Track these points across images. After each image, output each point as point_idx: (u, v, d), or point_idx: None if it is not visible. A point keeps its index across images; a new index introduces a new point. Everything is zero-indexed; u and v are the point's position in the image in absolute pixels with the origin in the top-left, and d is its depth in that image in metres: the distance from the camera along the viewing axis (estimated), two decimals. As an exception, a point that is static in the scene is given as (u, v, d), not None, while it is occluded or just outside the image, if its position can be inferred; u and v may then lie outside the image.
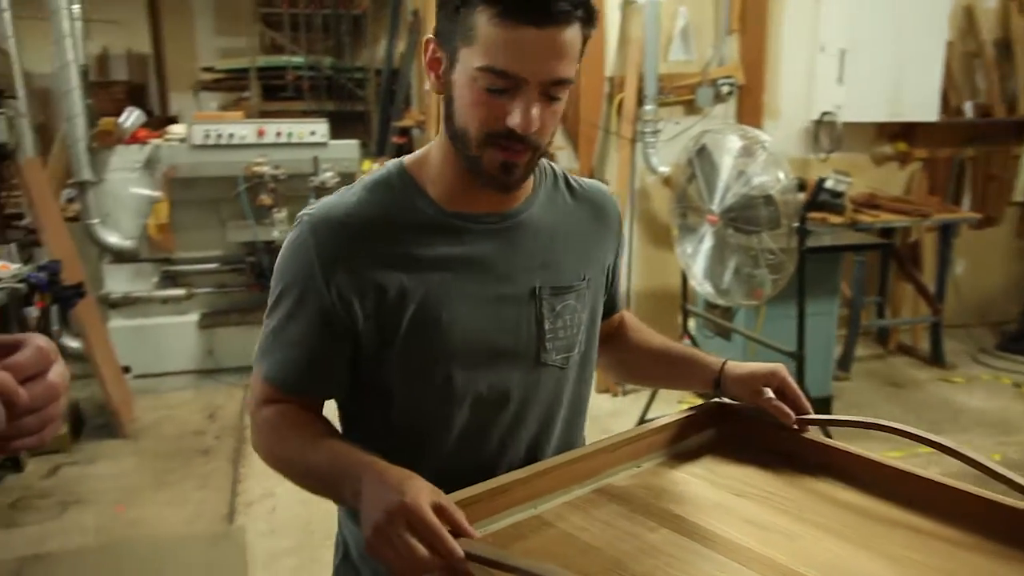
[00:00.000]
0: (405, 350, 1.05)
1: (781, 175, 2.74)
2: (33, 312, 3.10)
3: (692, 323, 3.99)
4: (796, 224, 2.74)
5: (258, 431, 1.08)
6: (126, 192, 4.48)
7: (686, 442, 1.23)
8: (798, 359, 2.99)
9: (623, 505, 1.05)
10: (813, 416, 1.18)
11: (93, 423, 3.82)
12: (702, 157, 3.08)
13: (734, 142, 2.90)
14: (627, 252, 4.43)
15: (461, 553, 0.82)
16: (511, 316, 1.08)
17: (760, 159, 2.81)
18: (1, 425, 0.59)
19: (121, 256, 4.47)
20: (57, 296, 3.21)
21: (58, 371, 0.67)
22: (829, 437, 1.20)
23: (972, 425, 3.75)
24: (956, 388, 4.23)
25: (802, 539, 0.97)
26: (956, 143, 5.06)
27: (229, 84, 8.24)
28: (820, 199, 4.37)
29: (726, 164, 2.93)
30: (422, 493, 0.85)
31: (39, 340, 0.65)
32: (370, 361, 1.07)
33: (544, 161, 1.16)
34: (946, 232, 4.65)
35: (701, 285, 3.17)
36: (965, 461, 1.04)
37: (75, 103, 4.37)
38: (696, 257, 3.15)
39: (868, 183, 4.88)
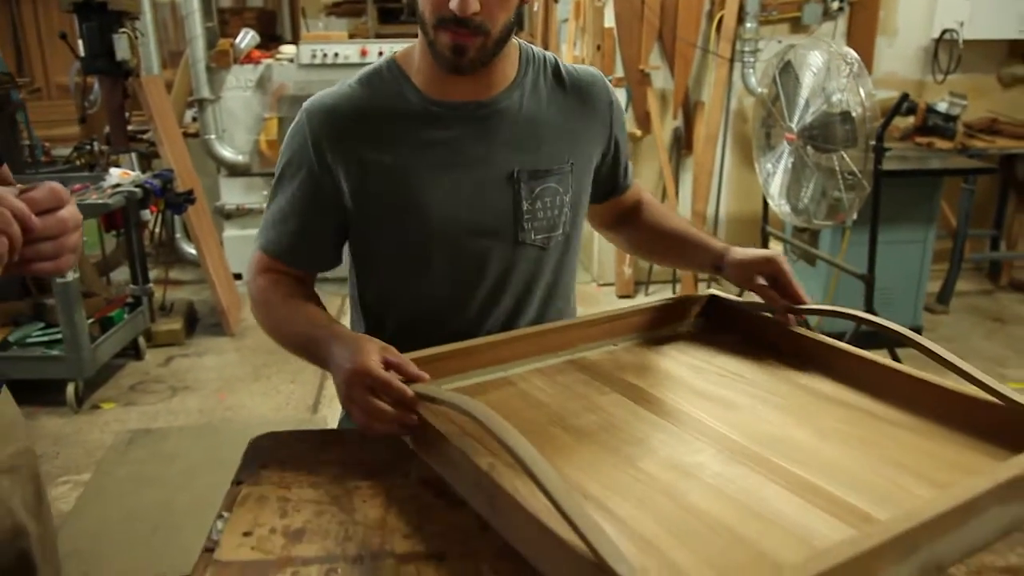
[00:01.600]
0: (387, 228, 1.15)
1: (863, 93, 2.63)
2: (147, 215, 3.40)
3: (778, 247, 3.91)
4: (873, 143, 2.63)
5: (253, 301, 1.18)
6: (240, 109, 4.77)
7: (669, 326, 1.28)
8: (867, 282, 2.90)
9: (587, 374, 1.13)
10: (798, 306, 1.19)
11: (205, 322, 4.17)
12: (786, 74, 2.98)
13: (817, 58, 2.79)
14: (717, 175, 4.34)
15: (411, 392, 0.92)
16: (488, 198, 1.16)
17: (843, 76, 2.70)
18: (18, 243, 0.73)
19: (235, 170, 4.78)
20: (169, 202, 3.50)
21: (70, 210, 0.81)
22: (808, 327, 1.22)
23: (1078, 365, 3.53)
24: (1068, 327, 3.97)
25: (744, 411, 1.01)
26: (1100, 64, 4.62)
27: (348, 8, 8.47)
28: (930, 123, 4.14)
29: (807, 81, 2.83)
30: (370, 355, 0.93)
31: (53, 184, 0.79)
32: (358, 238, 1.18)
33: (536, 50, 1.21)
34: (1075, 161, 4.29)
35: (778, 204, 3.10)
36: (943, 364, 1.01)
37: (195, 25, 4.65)
38: (775, 175, 3.08)
39: (993, 107, 4.55)
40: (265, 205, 1.22)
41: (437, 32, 1.05)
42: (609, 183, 1.32)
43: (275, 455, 0.98)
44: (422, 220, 1.14)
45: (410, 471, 0.93)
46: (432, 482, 0.91)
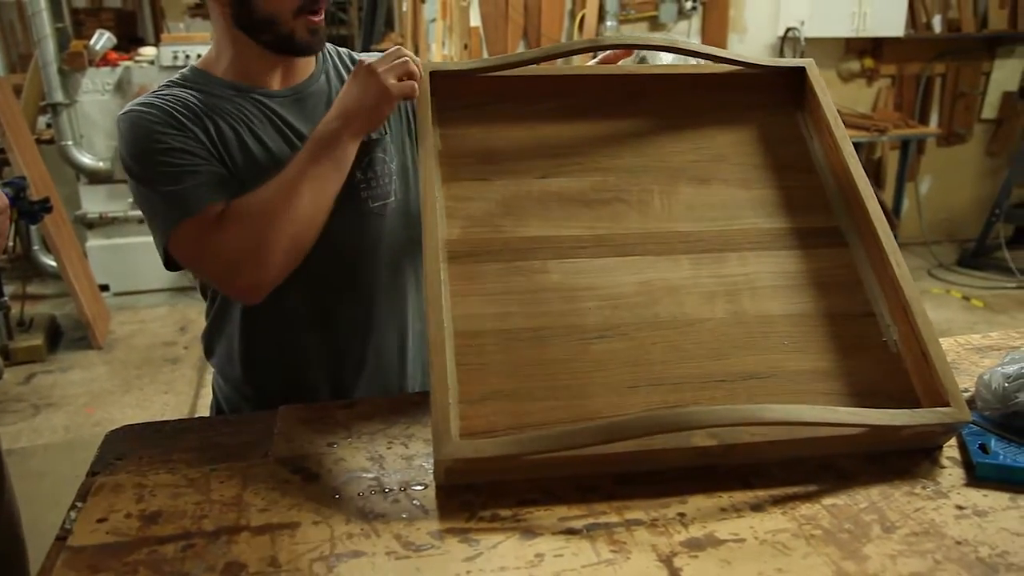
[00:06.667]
0: None
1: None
2: (-2, 226, 3.23)
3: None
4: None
5: (220, 232, 1.08)
6: (98, 113, 4.58)
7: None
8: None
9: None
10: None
11: (70, 336, 4.00)
12: (641, 69, 3.13)
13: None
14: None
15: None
16: None
17: (692, 69, 2.86)
18: None
19: (96, 177, 4.59)
20: (23, 211, 3.32)
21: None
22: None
23: (914, 333, 3.86)
24: (906, 300, 4.33)
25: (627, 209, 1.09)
26: (925, 59, 5.05)
27: (212, 10, 8.27)
28: (778, 115, 4.42)
29: (660, 75, 2.98)
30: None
31: None
32: None
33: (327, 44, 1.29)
34: (906, 148, 4.68)
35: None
36: (689, 54, 1.28)
37: (43, 25, 4.43)
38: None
39: (834, 100, 4.89)
40: (139, 210, 1.16)
41: (296, 21, 1.12)
42: None
43: (130, 446, 0.99)
44: None
45: (268, 451, 0.97)
46: (289, 460, 0.95)
